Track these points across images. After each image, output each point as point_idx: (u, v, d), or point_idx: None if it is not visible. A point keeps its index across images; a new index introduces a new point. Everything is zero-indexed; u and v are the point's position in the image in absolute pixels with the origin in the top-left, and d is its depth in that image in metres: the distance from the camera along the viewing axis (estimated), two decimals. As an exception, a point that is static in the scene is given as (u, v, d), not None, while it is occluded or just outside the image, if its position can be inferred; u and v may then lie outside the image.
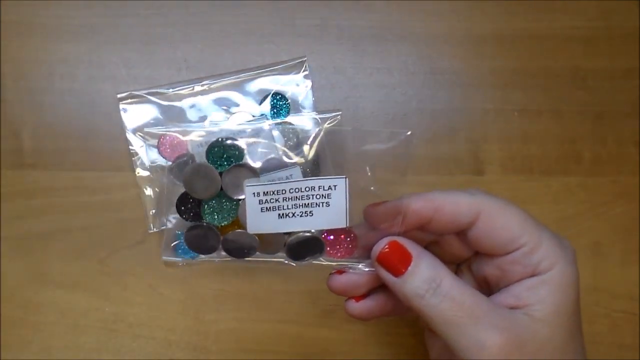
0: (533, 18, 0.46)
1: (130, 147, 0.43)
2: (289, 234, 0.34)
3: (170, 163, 0.43)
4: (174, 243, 0.38)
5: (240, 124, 0.43)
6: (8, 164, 0.44)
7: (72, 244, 0.44)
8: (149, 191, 0.43)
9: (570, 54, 0.46)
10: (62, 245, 0.44)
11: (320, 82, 0.45)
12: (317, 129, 0.43)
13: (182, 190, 0.36)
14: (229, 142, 0.35)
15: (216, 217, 0.34)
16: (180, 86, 0.43)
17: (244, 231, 0.33)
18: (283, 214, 0.32)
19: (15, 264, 0.43)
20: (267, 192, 0.32)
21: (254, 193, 0.32)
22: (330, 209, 0.32)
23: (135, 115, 0.43)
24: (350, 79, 0.45)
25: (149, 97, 0.43)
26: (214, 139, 0.35)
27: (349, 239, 0.34)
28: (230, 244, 0.34)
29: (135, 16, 0.45)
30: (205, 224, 0.35)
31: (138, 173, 0.43)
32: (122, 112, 0.43)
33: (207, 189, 0.34)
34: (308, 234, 0.33)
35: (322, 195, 0.32)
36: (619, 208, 0.45)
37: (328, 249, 0.34)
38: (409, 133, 0.34)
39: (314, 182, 0.32)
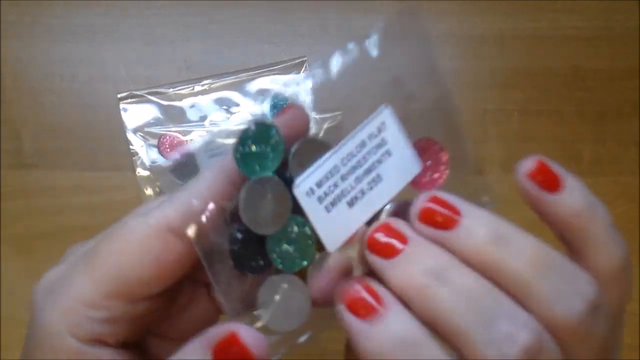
0: (533, 18, 0.46)
1: (131, 146, 0.43)
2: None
3: (170, 162, 0.43)
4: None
5: (240, 124, 0.43)
6: (8, 164, 0.44)
7: (72, 244, 0.44)
8: (149, 191, 0.43)
9: (570, 54, 0.46)
10: (62, 246, 0.44)
11: (320, 82, 0.45)
12: (317, 129, 0.43)
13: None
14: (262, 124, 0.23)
15: (296, 257, 0.23)
16: (181, 86, 0.44)
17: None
18: (353, 199, 0.23)
19: (15, 264, 0.43)
20: (321, 181, 0.23)
21: (307, 192, 0.22)
22: (394, 157, 0.23)
23: (136, 115, 0.43)
24: (350, 79, 0.45)
25: (149, 97, 0.43)
26: (244, 127, 0.24)
27: (433, 163, 0.25)
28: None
29: (135, 16, 0.45)
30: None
31: (138, 173, 0.43)
32: (122, 112, 0.43)
33: (278, 216, 0.23)
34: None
35: (377, 145, 0.23)
36: (619, 208, 0.45)
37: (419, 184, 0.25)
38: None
39: (358, 134, 0.23)
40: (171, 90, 0.43)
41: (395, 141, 0.24)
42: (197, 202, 0.21)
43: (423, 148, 0.25)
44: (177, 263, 0.22)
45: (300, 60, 0.44)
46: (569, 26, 0.46)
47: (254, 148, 0.22)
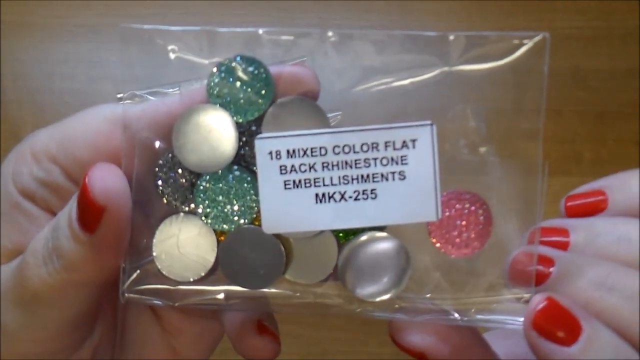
0: (533, 18, 0.46)
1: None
2: (342, 239, 0.19)
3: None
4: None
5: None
6: (8, 164, 0.44)
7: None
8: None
9: (570, 54, 0.46)
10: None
11: (320, 82, 0.45)
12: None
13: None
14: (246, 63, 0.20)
15: (219, 212, 0.19)
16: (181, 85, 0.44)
17: (253, 228, 0.19)
18: (325, 196, 0.18)
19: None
20: (296, 152, 0.19)
21: (270, 152, 0.18)
22: (406, 185, 0.18)
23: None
24: (350, 79, 0.45)
25: (149, 97, 0.43)
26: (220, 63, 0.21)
27: (473, 217, 0.19)
28: (232, 260, 0.19)
29: (135, 16, 0.45)
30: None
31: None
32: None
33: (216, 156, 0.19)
34: (380, 239, 0.19)
35: (392, 158, 0.18)
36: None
37: (433, 238, 0.19)
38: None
39: (372, 132, 0.19)
40: (171, 90, 0.43)
41: (419, 168, 0.18)
42: (165, 111, 0.21)
43: (460, 199, 0.19)
44: (112, 155, 0.20)
45: (300, 60, 0.44)
46: (569, 26, 0.46)
47: (225, 89, 0.20)
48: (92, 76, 0.44)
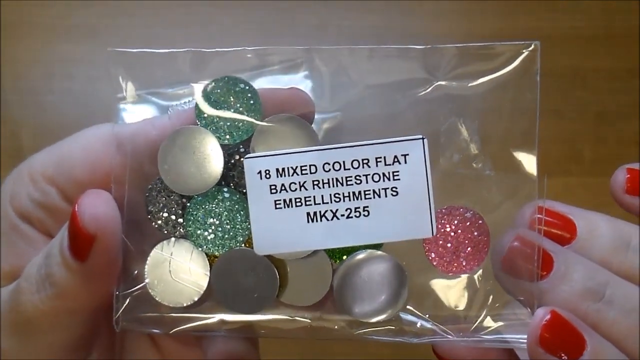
0: (533, 18, 0.46)
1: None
2: (337, 259, 0.19)
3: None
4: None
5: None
6: (8, 164, 0.44)
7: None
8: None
9: (570, 54, 0.46)
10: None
11: (319, 82, 0.45)
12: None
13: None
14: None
15: (210, 235, 0.19)
16: (180, 86, 0.43)
17: (245, 250, 0.18)
18: (317, 215, 0.18)
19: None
20: (286, 171, 0.18)
21: (259, 172, 0.18)
22: (399, 201, 0.18)
23: (135, 115, 0.43)
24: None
25: (148, 97, 0.43)
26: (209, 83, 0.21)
27: (470, 233, 0.19)
28: (225, 284, 0.19)
29: (136, 16, 0.45)
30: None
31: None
32: (121, 112, 0.43)
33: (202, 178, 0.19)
34: (375, 257, 0.18)
35: (385, 174, 0.18)
36: (619, 208, 0.45)
37: (432, 255, 0.19)
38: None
39: (362, 148, 0.18)
40: (170, 90, 0.43)
41: (412, 183, 0.18)
42: (155, 132, 0.21)
43: (456, 215, 0.18)
44: (109, 174, 0.20)
45: (299, 60, 0.44)
46: (569, 26, 0.46)
47: (213, 110, 0.20)
48: (92, 76, 0.44)
